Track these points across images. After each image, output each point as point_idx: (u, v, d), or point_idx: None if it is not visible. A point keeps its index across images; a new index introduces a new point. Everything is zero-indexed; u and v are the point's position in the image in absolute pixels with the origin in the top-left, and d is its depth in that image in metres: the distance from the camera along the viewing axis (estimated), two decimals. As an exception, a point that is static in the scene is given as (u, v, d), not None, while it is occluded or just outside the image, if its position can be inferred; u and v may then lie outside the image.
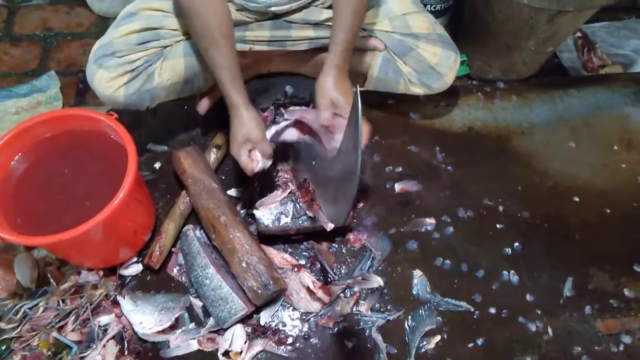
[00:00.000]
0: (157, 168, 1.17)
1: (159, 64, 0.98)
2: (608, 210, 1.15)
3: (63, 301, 0.96)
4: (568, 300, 1.03)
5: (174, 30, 0.99)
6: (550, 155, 1.23)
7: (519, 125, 1.28)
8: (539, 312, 1.01)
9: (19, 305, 0.94)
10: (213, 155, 1.13)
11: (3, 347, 0.91)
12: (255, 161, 0.92)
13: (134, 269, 1.02)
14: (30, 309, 0.95)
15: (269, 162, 0.94)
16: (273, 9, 1.00)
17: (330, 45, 0.93)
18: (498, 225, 1.12)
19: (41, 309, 0.95)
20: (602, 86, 1.35)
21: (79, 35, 1.44)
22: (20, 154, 0.90)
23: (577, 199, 1.16)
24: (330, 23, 1.06)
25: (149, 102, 1.02)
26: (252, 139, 0.90)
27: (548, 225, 1.12)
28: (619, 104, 1.32)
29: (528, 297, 1.02)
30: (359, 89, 0.73)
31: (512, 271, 1.05)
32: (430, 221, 1.11)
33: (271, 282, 0.93)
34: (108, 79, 0.95)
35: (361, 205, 1.12)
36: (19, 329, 0.92)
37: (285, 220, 1.00)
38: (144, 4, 0.99)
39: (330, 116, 0.90)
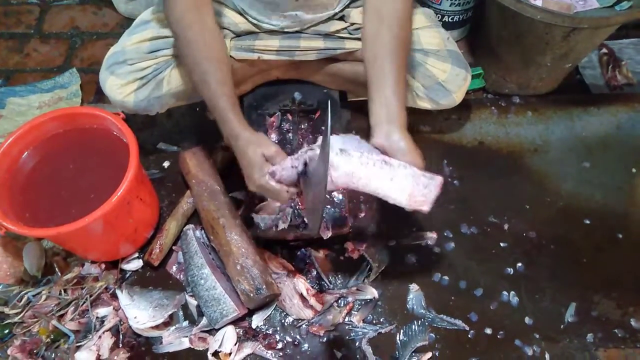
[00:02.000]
0: (166, 167, 1.20)
1: (167, 72, 1.01)
2: (620, 235, 1.10)
3: (65, 291, 0.99)
4: (569, 326, 0.99)
5: None
6: (563, 175, 1.19)
7: (532, 142, 1.25)
8: (537, 336, 0.98)
9: (23, 292, 0.99)
10: (219, 158, 1.15)
11: (6, 332, 0.95)
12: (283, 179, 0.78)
13: (135, 264, 1.04)
14: (34, 296, 0.99)
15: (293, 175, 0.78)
16: (286, 29, 1.01)
17: (380, 98, 0.79)
18: (502, 244, 1.09)
19: (44, 297, 0.98)
20: (624, 106, 1.30)
21: (104, 35, 1.50)
22: (31, 149, 0.95)
23: (587, 222, 1.12)
24: (340, 34, 1.06)
25: (158, 108, 1.05)
26: (268, 155, 0.79)
27: (555, 247, 1.09)
28: (640, 125, 1.27)
29: (527, 320, 0.99)
30: (333, 96, 0.71)
31: (513, 292, 1.03)
32: (432, 235, 1.09)
33: (264, 286, 0.94)
34: (119, 85, 0.99)
35: (362, 215, 1.12)
36: (21, 315, 0.96)
37: (283, 225, 1.01)
38: (158, 12, 1.02)
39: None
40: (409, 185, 0.75)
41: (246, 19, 1.03)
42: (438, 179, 0.77)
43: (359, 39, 1.07)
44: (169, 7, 0.86)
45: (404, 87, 0.82)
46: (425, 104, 1.09)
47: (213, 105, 0.84)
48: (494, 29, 1.23)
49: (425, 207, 0.77)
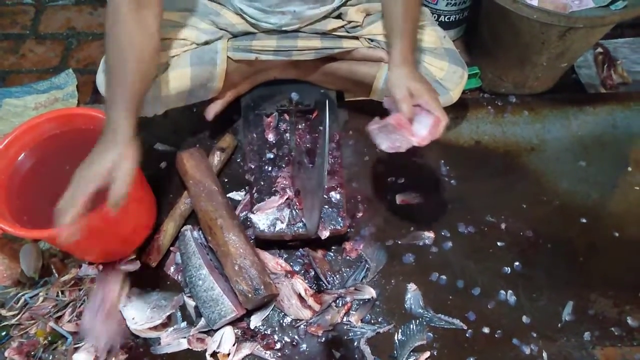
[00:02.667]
0: (163, 168, 1.19)
1: (164, 74, 1.00)
2: (617, 234, 1.11)
3: (62, 292, 0.99)
4: (567, 324, 1.00)
5: (182, 39, 1.01)
6: (560, 174, 1.20)
7: (528, 141, 1.25)
8: (535, 334, 0.98)
9: (20, 294, 0.98)
10: (217, 158, 1.15)
11: (3, 334, 0.94)
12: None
13: (132, 265, 1.04)
14: (31, 298, 0.98)
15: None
16: (284, 28, 1.01)
17: (393, 38, 0.93)
18: (499, 243, 1.09)
19: (41, 298, 0.98)
20: (620, 104, 1.31)
21: (99, 35, 1.49)
22: (27, 150, 0.94)
23: (584, 220, 1.13)
24: (338, 33, 1.06)
25: (156, 109, 1.05)
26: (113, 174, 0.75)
27: (552, 246, 1.09)
28: (636, 124, 1.27)
29: (524, 319, 1.00)
30: (330, 96, 0.71)
31: (510, 291, 1.03)
32: (429, 235, 1.10)
33: (262, 286, 0.94)
34: None
35: (360, 215, 1.12)
36: (18, 317, 0.96)
37: (281, 226, 1.01)
38: None
39: (410, 108, 0.86)
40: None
41: (244, 19, 1.03)
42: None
43: (356, 38, 1.07)
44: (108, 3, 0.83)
45: (415, 35, 0.97)
46: (422, 103, 1.10)
47: (107, 97, 0.83)
48: (490, 29, 1.24)
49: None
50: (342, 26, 1.06)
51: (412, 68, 0.92)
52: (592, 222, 1.12)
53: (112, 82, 0.83)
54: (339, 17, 1.07)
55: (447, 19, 1.38)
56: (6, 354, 0.91)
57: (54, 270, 1.02)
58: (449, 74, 1.05)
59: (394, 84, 0.89)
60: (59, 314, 0.97)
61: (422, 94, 0.86)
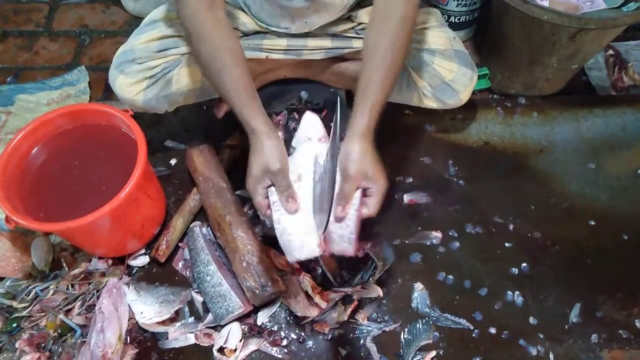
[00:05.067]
0: (173, 164, 1.21)
1: (176, 71, 1.01)
2: (625, 237, 1.10)
3: (72, 286, 1.00)
4: (574, 326, 0.99)
5: None
6: (569, 176, 1.19)
7: (538, 142, 1.25)
8: (542, 336, 0.98)
9: (31, 287, 1.00)
10: (226, 156, 1.16)
11: (14, 325, 0.96)
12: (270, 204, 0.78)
13: (141, 260, 1.05)
14: (41, 290, 1.00)
15: (294, 207, 0.77)
16: (294, 32, 1.02)
17: (358, 104, 0.80)
18: (507, 244, 1.09)
19: (51, 291, 1.00)
20: (630, 107, 1.30)
21: (112, 33, 1.51)
22: (40, 145, 0.96)
23: (592, 223, 1.12)
24: (348, 34, 1.07)
25: (167, 106, 1.06)
26: (271, 171, 0.77)
27: (559, 248, 1.09)
28: (647, 127, 1.27)
29: (531, 320, 0.99)
30: (340, 96, 0.71)
31: (517, 292, 1.03)
32: (437, 234, 1.10)
33: (269, 283, 0.95)
34: (128, 84, 1.00)
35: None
36: (29, 309, 0.97)
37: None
38: (166, 12, 1.03)
39: (355, 191, 0.77)
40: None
41: (256, 22, 1.03)
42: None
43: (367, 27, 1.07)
44: (181, 4, 0.85)
45: (385, 97, 0.82)
46: (431, 104, 1.10)
47: (230, 102, 0.83)
48: (500, 30, 1.24)
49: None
50: (352, 27, 1.07)
51: (370, 143, 0.79)
52: (600, 225, 1.12)
53: (230, 93, 0.81)
54: (349, 18, 1.08)
55: (457, 19, 1.38)
56: (17, 345, 0.93)
57: (64, 264, 1.04)
58: (459, 76, 1.05)
59: (344, 160, 0.76)
60: (69, 307, 0.98)
61: (377, 179, 0.76)
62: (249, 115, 0.80)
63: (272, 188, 0.79)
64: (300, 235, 0.77)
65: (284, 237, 0.78)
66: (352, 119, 0.80)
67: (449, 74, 1.05)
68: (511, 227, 1.11)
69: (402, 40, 0.83)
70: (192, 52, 0.87)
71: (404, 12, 0.82)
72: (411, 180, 1.18)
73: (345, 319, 0.99)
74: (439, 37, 1.07)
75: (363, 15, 1.05)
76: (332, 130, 0.75)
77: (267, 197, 0.79)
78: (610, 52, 1.42)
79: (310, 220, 0.77)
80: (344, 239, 0.77)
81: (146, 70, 1.00)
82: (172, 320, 0.98)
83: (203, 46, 0.83)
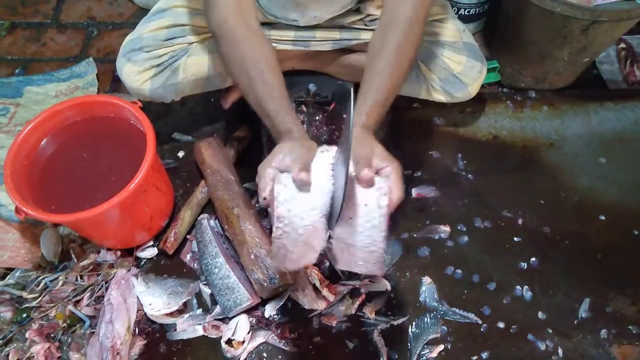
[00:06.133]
0: (181, 157, 1.21)
1: (183, 60, 1.01)
2: (636, 232, 1.09)
3: (81, 277, 1.01)
4: (583, 321, 0.99)
5: (201, 27, 1.01)
6: (579, 170, 1.18)
7: (547, 136, 1.24)
8: (551, 331, 0.97)
9: (41, 277, 1.00)
10: (234, 148, 1.16)
11: (24, 315, 0.97)
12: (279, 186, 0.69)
13: (150, 252, 1.05)
14: (51, 281, 1.01)
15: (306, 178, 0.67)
16: (303, 24, 1.01)
17: (360, 101, 0.77)
18: (515, 239, 1.08)
19: (61, 282, 1.00)
20: (642, 101, 1.29)
21: (119, 25, 1.51)
22: (49, 136, 0.96)
23: (603, 218, 1.11)
24: (356, 26, 1.06)
25: (173, 95, 1.06)
26: (298, 153, 0.69)
27: (569, 243, 1.08)
28: (659, 121, 1.25)
29: (540, 315, 0.99)
30: (349, 88, 0.68)
31: (526, 286, 1.02)
32: (445, 228, 1.09)
33: (277, 276, 0.95)
34: (135, 72, 0.99)
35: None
36: (39, 300, 0.98)
37: (296, 216, 1.01)
38: (174, 1, 1.03)
39: (370, 173, 0.68)
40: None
41: (264, 14, 1.02)
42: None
43: (374, 30, 1.06)
44: (209, 10, 0.82)
45: (391, 92, 0.78)
46: (440, 97, 1.09)
47: (262, 107, 0.77)
48: (510, 22, 1.22)
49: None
50: (361, 19, 1.06)
51: (367, 134, 0.74)
52: (611, 220, 1.11)
53: (263, 99, 0.77)
54: (357, 10, 1.07)
55: (467, 12, 1.36)
56: (27, 335, 0.93)
57: (73, 255, 1.04)
58: (468, 69, 1.04)
59: (359, 142, 0.69)
60: (78, 297, 0.99)
61: (391, 159, 0.71)
62: (284, 118, 0.75)
63: (279, 184, 0.70)
64: (306, 234, 0.68)
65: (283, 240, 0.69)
66: (355, 108, 0.74)
67: (458, 67, 1.04)
68: (520, 221, 1.11)
69: (406, 50, 0.79)
70: (223, 59, 0.83)
71: (412, 17, 0.79)
72: (420, 174, 1.17)
73: (353, 312, 0.98)
74: (449, 29, 1.06)
75: (371, 7, 1.04)
76: (344, 123, 0.74)
77: (273, 179, 0.71)
78: (622, 45, 1.40)
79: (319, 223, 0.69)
80: (371, 260, 0.70)
81: (153, 59, 0.99)
82: (180, 312, 0.98)
83: (233, 54, 0.79)
